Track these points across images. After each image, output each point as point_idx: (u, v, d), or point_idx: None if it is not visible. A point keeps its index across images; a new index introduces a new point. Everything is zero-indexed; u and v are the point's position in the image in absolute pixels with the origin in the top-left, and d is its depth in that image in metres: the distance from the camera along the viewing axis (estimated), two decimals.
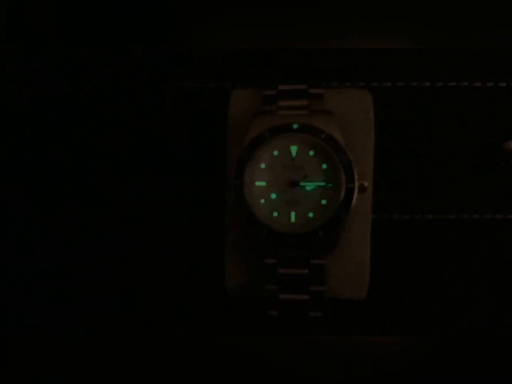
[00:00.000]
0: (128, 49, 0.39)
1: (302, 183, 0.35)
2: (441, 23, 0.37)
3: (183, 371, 0.38)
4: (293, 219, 0.35)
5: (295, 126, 0.34)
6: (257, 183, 0.35)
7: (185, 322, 0.39)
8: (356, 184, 0.34)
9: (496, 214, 0.38)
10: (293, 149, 0.35)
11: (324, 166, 0.35)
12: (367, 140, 0.36)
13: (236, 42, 0.38)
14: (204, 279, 0.39)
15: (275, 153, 0.35)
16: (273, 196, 0.35)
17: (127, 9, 0.39)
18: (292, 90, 0.35)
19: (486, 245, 0.38)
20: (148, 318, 0.40)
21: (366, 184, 0.34)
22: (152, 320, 0.40)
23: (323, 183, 0.35)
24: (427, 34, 0.37)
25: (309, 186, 0.35)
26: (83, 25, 0.39)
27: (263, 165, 0.35)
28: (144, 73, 0.39)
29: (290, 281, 0.34)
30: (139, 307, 0.40)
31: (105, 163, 0.40)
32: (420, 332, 0.38)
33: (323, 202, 0.35)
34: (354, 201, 0.34)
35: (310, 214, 0.35)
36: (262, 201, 0.35)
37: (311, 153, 0.35)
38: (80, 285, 0.40)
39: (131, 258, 0.40)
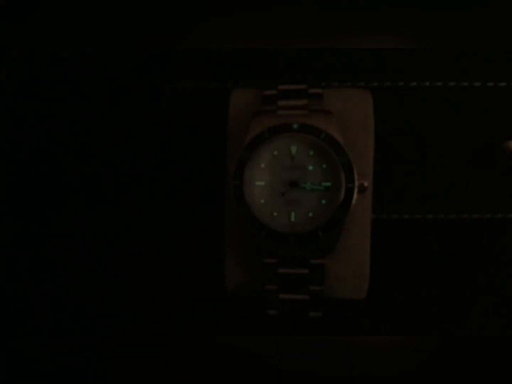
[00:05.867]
0: (128, 49, 0.39)
1: (302, 183, 0.35)
2: (441, 23, 0.37)
3: (182, 371, 0.38)
4: (293, 219, 0.35)
5: (295, 126, 0.34)
6: (257, 183, 0.35)
7: (185, 322, 0.39)
8: (356, 184, 0.34)
9: (496, 214, 0.38)
10: (293, 149, 0.35)
11: (324, 166, 0.35)
12: (367, 140, 0.36)
13: (236, 42, 0.38)
14: (204, 279, 0.39)
15: (275, 153, 0.35)
16: (273, 196, 0.35)
17: (127, 9, 0.39)
18: (292, 90, 0.35)
19: (486, 245, 0.38)
20: (148, 318, 0.40)
21: (366, 184, 0.34)
22: (152, 320, 0.40)
23: (322, 184, 0.35)
24: (427, 34, 0.37)
25: (309, 186, 0.35)
26: (83, 25, 0.39)
27: (263, 165, 0.35)
28: (144, 73, 0.39)
29: (290, 281, 0.34)
30: (139, 307, 0.40)
31: (105, 163, 0.40)
32: (420, 332, 0.38)
33: (323, 202, 0.35)
34: (354, 201, 0.34)
35: (310, 214, 0.35)
36: (262, 201, 0.35)
37: (311, 153, 0.35)
38: (81, 284, 0.40)
39: (131, 258, 0.40)
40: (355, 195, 0.34)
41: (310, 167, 0.35)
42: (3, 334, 0.40)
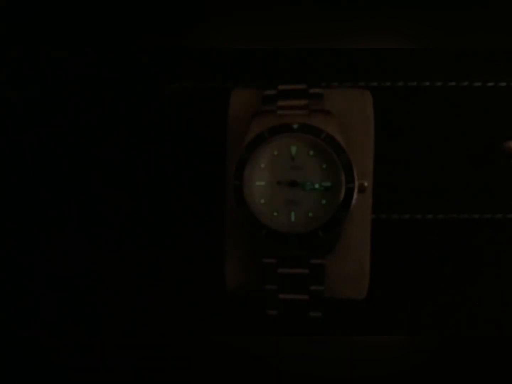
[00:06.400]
0: (128, 49, 0.39)
1: (301, 183, 0.35)
2: (441, 23, 0.37)
3: (182, 371, 0.38)
4: (293, 219, 0.35)
5: (295, 126, 0.34)
6: (257, 183, 0.35)
7: (185, 322, 0.39)
8: (356, 184, 0.34)
9: (496, 214, 0.38)
10: (293, 149, 0.35)
11: (324, 166, 0.35)
12: (367, 140, 0.36)
13: (236, 42, 0.38)
14: (204, 279, 0.39)
15: (275, 153, 0.35)
16: (273, 196, 0.35)
17: (127, 9, 0.39)
18: (292, 90, 0.35)
19: (486, 245, 0.38)
20: (148, 318, 0.40)
21: (366, 184, 0.34)
22: (152, 320, 0.40)
23: (322, 184, 0.35)
24: (426, 34, 0.37)
25: (309, 186, 0.35)
26: (83, 25, 0.39)
27: (263, 165, 0.35)
28: (144, 73, 0.39)
29: (290, 281, 0.34)
30: (139, 307, 0.40)
31: (105, 163, 0.40)
32: (420, 332, 0.38)
33: (323, 202, 0.35)
34: (354, 201, 0.34)
35: (310, 214, 0.35)
36: (262, 201, 0.35)
37: (311, 153, 0.35)
38: (80, 284, 0.40)
39: (131, 258, 0.40)
40: (355, 195, 0.34)
41: (310, 167, 0.35)
42: (2, 334, 0.40)
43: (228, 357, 0.37)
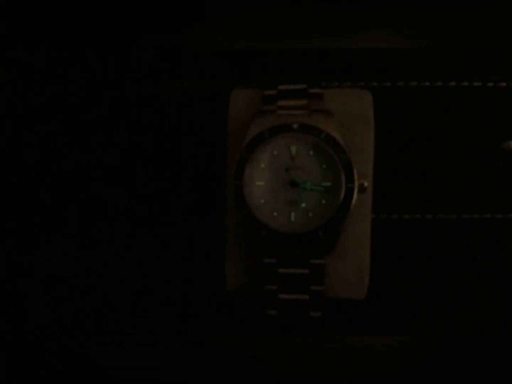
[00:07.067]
0: (128, 49, 0.39)
1: (302, 183, 0.35)
2: (441, 23, 0.37)
3: (182, 371, 0.38)
4: (293, 219, 0.35)
5: (295, 126, 0.34)
6: (257, 183, 0.35)
7: (185, 322, 0.39)
8: (356, 184, 0.34)
9: (496, 214, 0.38)
10: (293, 149, 0.35)
11: (324, 166, 0.35)
12: (367, 140, 0.36)
13: (236, 42, 0.38)
14: (204, 279, 0.39)
15: (275, 153, 0.35)
16: (273, 196, 0.35)
17: (127, 9, 0.39)
18: (292, 89, 0.35)
19: (486, 245, 0.38)
20: (148, 318, 0.40)
21: (366, 184, 0.34)
22: (152, 320, 0.40)
23: (322, 184, 0.35)
24: (426, 34, 0.37)
25: (309, 186, 0.35)
26: (83, 25, 0.39)
27: (263, 165, 0.35)
28: (144, 73, 0.39)
29: (290, 281, 0.34)
30: (139, 307, 0.40)
31: (105, 163, 0.40)
32: (420, 332, 0.38)
33: (323, 202, 0.35)
34: (354, 201, 0.34)
35: (310, 214, 0.35)
36: (262, 201, 0.35)
37: (311, 153, 0.35)
38: (80, 284, 0.40)
39: (131, 258, 0.40)
40: (355, 195, 0.34)
41: (310, 167, 0.35)
42: (3, 334, 0.40)
43: (228, 357, 0.37)
